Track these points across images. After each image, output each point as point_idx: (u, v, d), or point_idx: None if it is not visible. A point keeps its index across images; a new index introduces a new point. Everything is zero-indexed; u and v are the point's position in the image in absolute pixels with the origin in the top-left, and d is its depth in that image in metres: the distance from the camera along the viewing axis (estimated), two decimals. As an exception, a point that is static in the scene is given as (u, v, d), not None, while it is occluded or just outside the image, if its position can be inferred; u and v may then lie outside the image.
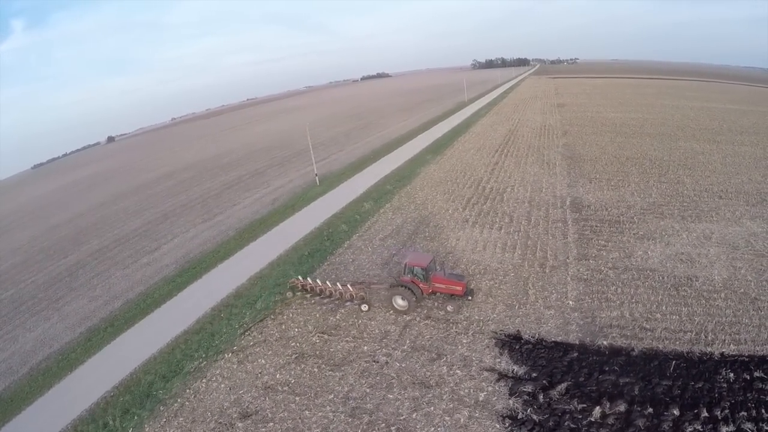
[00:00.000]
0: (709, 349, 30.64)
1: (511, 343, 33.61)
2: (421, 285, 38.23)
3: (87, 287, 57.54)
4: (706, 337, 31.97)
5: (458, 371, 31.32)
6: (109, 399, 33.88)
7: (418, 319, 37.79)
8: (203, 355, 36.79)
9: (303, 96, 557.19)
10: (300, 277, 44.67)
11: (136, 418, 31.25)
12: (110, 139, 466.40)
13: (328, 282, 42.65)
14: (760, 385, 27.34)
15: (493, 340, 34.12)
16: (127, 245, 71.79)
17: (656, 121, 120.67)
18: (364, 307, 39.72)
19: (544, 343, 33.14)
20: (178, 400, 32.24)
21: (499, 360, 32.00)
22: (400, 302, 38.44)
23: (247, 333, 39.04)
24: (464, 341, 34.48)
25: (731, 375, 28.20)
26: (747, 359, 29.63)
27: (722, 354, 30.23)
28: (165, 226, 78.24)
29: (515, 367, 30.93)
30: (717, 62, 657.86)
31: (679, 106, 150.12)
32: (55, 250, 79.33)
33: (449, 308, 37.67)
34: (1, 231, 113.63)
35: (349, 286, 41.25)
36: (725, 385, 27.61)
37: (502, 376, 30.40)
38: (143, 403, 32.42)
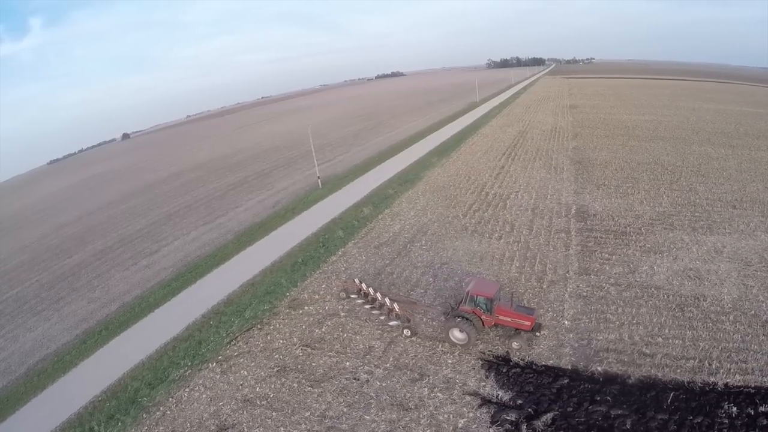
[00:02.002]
0: (712, 379, 28.52)
1: (499, 365, 31.82)
2: (483, 317, 33.86)
3: (87, 288, 57.43)
4: (710, 365, 29.79)
5: (439, 394, 29.82)
6: (97, 404, 33.63)
7: (404, 335, 36.22)
8: (189, 364, 36.17)
9: (317, 95, 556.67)
10: (357, 280, 42.55)
11: (119, 424, 31.08)
12: (125, 136, 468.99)
13: (379, 294, 39.69)
14: (765, 422, 25.22)
15: (480, 362, 32.39)
16: (130, 246, 71.63)
17: (671, 123, 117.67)
18: (407, 332, 36.00)
19: (533, 367, 31.30)
20: (161, 408, 31.85)
21: (484, 384, 30.36)
22: (457, 335, 33.92)
23: (233, 342, 38.20)
24: (449, 362, 32.87)
25: (734, 409, 26.13)
26: (753, 391, 27.51)
27: (726, 385, 28.08)
28: (167, 228, 77.90)
29: (500, 392, 29.29)
30: (735, 63, 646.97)
31: (695, 108, 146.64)
32: (62, 249, 79.43)
33: (515, 345, 33.02)
34: (12, 228, 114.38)
35: (396, 305, 37.52)
36: (727, 420, 25.57)
37: (485, 401, 28.75)
38: (128, 410, 32.18)
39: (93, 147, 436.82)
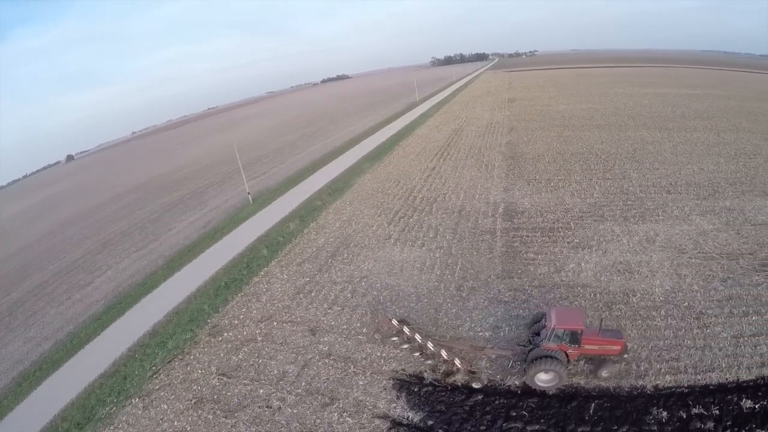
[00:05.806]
0: (640, 383, 27.09)
1: (411, 384, 29.93)
2: (568, 351, 28.67)
3: (24, 327, 54.71)
4: (638, 367, 28.35)
5: (349, 419, 28.49)
6: (30, 448, 32.49)
7: (317, 357, 34.65)
8: (114, 401, 35.13)
9: (262, 102, 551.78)
10: (395, 321, 35.65)
11: (48, 467, 30.20)
12: (69, 158, 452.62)
13: (430, 342, 32.37)
14: (699, 424, 23.68)
15: (392, 381, 30.57)
16: (65, 279, 68.14)
17: (607, 111, 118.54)
18: (476, 386, 29.36)
19: (446, 384, 29.35)
20: (85, 449, 30.53)
21: (394, 405, 28.72)
22: (543, 378, 28.27)
23: (155, 375, 36.87)
24: (360, 383, 31.26)
25: (664, 414, 24.67)
26: (686, 391, 26.13)
27: (656, 387, 26.66)
28: (102, 257, 74.42)
29: (411, 413, 27.73)
30: (676, 47, 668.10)
31: (633, 94, 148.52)
32: (0, 286, 75.14)
33: (604, 374, 28.21)
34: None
35: (457, 360, 30.53)
36: (656, 427, 24.02)
37: (395, 424, 27.14)
38: (57, 452, 31.04)
39: (38, 171, 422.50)
